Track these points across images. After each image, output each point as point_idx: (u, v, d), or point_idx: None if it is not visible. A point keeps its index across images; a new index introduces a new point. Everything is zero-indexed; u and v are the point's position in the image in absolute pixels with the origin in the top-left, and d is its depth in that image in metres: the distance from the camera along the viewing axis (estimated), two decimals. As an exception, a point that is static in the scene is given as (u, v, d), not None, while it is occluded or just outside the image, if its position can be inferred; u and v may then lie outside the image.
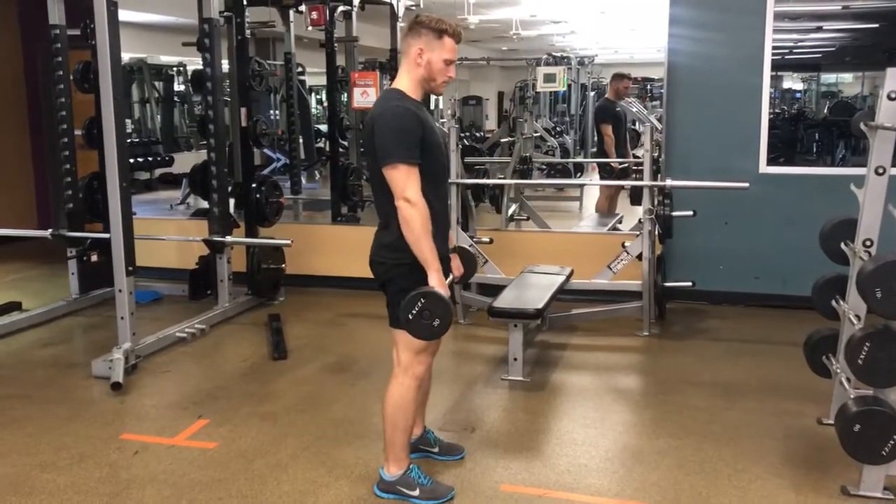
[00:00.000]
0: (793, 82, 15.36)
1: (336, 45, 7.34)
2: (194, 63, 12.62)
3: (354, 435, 3.69)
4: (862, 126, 3.49)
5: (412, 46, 2.92)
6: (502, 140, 10.96)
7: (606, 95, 8.35)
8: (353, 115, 7.80)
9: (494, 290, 5.14)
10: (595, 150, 11.48)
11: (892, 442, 2.91)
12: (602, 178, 8.29)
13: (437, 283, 2.82)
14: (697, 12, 5.64)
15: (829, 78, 15.07)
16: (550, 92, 13.36)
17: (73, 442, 3.66)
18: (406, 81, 2.95)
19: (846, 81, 15.06)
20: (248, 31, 5.94)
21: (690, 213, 5.19)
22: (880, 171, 3.41)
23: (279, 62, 7.82)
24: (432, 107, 15.03)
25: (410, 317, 2.79)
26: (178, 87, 13.46)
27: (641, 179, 5.29)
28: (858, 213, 3.53)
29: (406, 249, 2.85)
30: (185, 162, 10.77)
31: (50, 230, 5.59)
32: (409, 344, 2.96)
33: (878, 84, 12.91)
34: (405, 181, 2.78)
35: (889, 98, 3.31)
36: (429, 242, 2.82)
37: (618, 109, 7.97)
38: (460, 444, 3.53)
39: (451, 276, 3.15)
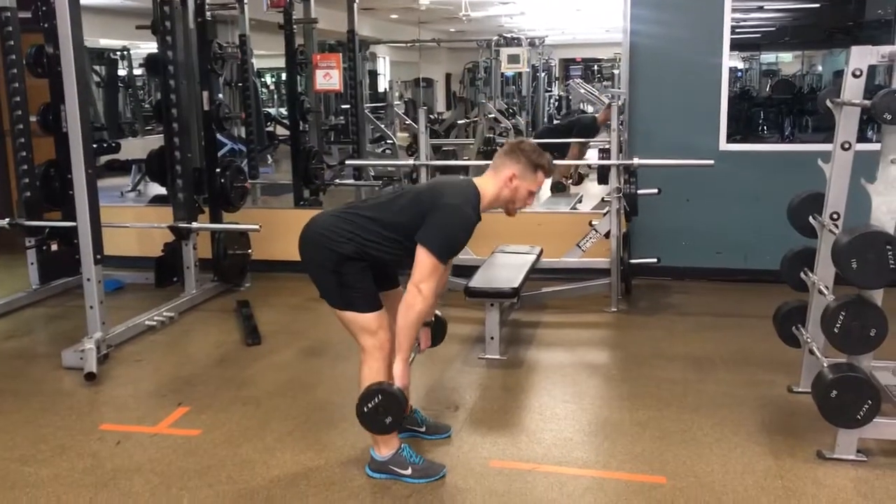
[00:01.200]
0: (734, 61, 15.65)
1: (296, 27, 7.25)
2: (137, 47, 12.39)
3: (340, 417, 3.69)
4: (828, 103, 3.60)
5: (507, 167, 3.01)
6: (459, 122, 10.97)
7: (597, 116, 8.47)
8: (314, 98, 7.72)
9: (464, 270, 5.18)
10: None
11: (866, 406, 3.04)
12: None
13: (400, 372, 2.90)
14: (658, -7, 5.74)
15: (768, 57, 15.40)
16: (501, 73, 13.40)
17: (51, 434, 3.59)
18: (490, 191, 3.03)
19: (785, 60, 15.40)
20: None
21: (655, 190, 5.30)
22: (846, 146, 3.52)
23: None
24: (384, 89, 15.07)
25: (365, 410, 2.89)
26: (121, 71, 13.11)
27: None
28: (825, 188, 3.65)
29: (372, 250, 2.96)
30: (131, 148, 10.53)
31: (7, 220, 5.43)
32: (362, 327, 3.00)
33: (816, 63, 13.23)
34: (429, 273, 2.86)
35: (854, 75, 3.43)
36: (415, 334, 2.94)
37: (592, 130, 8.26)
38: (446, 423, 3.57)
39: (414, 354, 3.12)
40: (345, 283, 2.98)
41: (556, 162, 8.00)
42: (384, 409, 2.87)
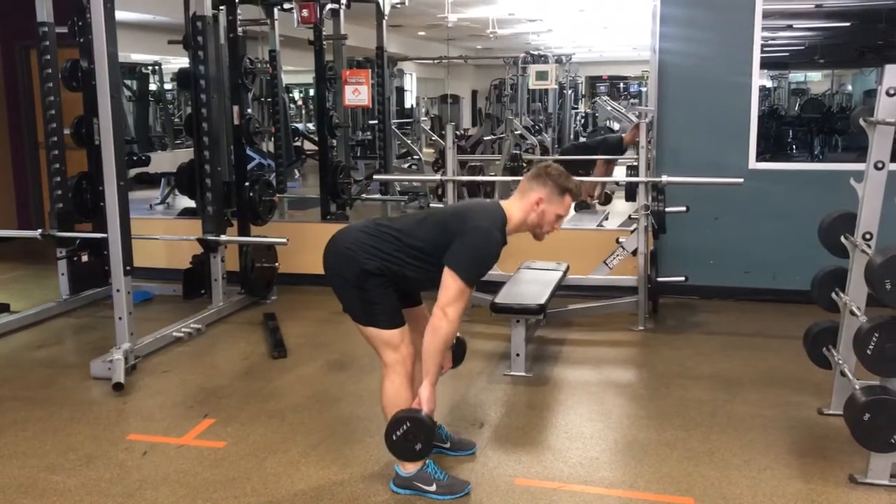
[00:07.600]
0: (763, 80, 15.55)
1: (325, 43, 7.32)
2: (168, 61, 12.55)
3: (364, 432, 3.69)
4: (861, 122, 3.57)
5: (534, 191, 3.01)
6: (485, 138, 11.00)
7: (624, 136, 8.48)
8: (342, 113, 7.78)
9: (490, 285, 5.16)
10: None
11: (900, 430, 2.99)
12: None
13: (427, 396, 2.93)
14: (688, 11, 5.72)
15: (797, 76, 15.30)
16: (528, 90, 13.42)
17: (80, 443, 3.62)
18: (516, 215, 3.04)
19: (815, 80, 15.29)
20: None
21: (683, 208, 5.26)
22: (879, 165, 3.49)
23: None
24: (410, 105, 15.14)
25: (394, 438, 2.91)
26: (152, 85, 13.30)
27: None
28: (857, 207, 3.61)
29: (396, 267, 2.96)
30: (161, 161, 10.65)
31: (40, 231, 5.52)
32: (384, 342, 3.01)
33: (846, 82, 13.11)
34: (456, 297, 2.88)
35: (888, 94, 3.39)
36: (441, 358, 2.96)
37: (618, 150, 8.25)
38: (471, 440, 3.56)
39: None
40: (367, 299, 2.99)
41: (582, 179, 8.14)
42: (413, 436, 2.89)
